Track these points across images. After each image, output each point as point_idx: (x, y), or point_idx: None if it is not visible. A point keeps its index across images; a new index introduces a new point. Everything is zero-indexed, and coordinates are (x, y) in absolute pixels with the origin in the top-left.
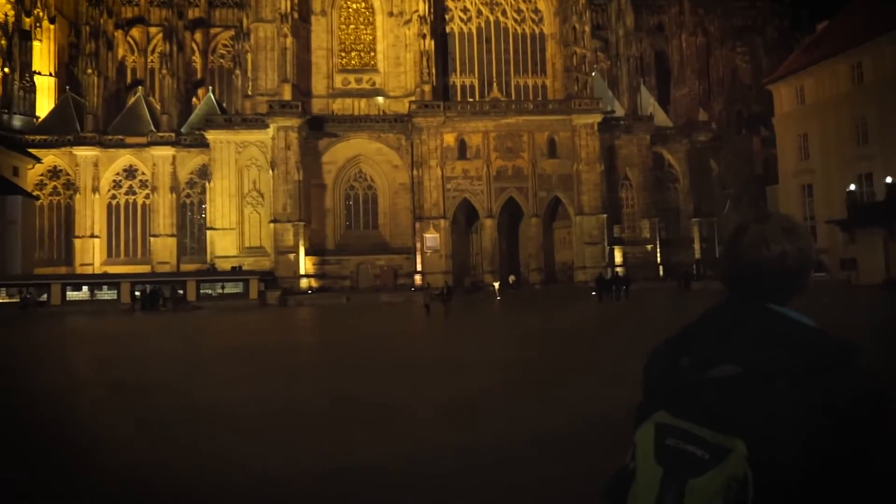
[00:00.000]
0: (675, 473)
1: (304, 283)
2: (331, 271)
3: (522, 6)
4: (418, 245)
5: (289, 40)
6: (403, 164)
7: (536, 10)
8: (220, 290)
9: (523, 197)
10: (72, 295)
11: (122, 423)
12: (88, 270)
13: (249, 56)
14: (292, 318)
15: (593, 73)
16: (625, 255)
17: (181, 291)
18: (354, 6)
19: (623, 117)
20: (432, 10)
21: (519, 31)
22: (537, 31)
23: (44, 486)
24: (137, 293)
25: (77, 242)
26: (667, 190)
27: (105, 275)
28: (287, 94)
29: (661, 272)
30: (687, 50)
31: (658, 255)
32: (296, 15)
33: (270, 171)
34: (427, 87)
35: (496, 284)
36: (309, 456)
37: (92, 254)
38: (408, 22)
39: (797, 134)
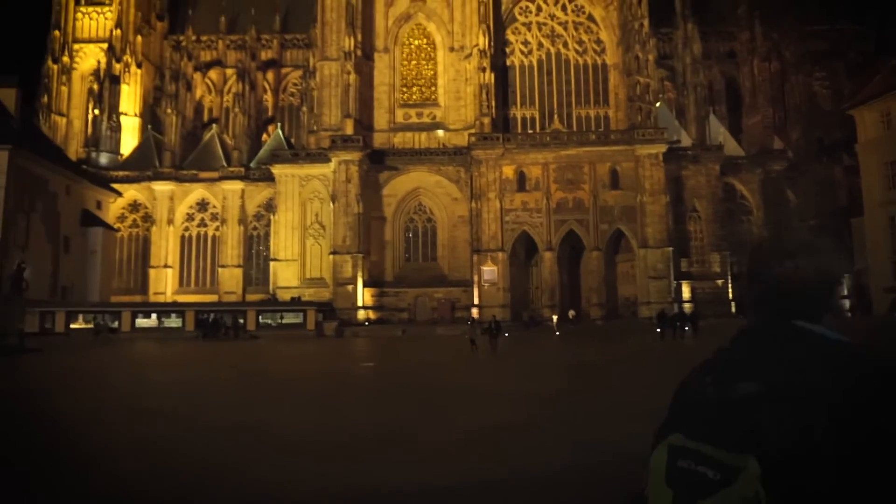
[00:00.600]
0: (685, 496)
1: (361, 314)
2: (389, 303)
3: (584, 37)
4: (475, 278)
5: (352, 77)
6: (463, 197)
7: (599, 41)
8: (279, 321)
9: (584, 229)
10: (141, 322)
11: (113, 441)
12: (161, 299)
13: (315, 93)
14: (343, 348)
15: (658, 104)
16: (693, 291)
17: (241, 321)
18: (416, 42)
19: (690, 147)
20: (492, 43)
21: (581, 62)
22: (599, 61)
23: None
24: (198, 321)
25: (152, 272)
26: (739, 222)
27: (170, 303)
28: (349, 129)
29: (734, 308)
30: (759, 76)
31: (730, 290)
32: (359, 52)
33: (331, 204)
34: (486, 120)
35: (555, 319)
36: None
37: (165, 283)
38: (468, 56)
39: (884, 161)
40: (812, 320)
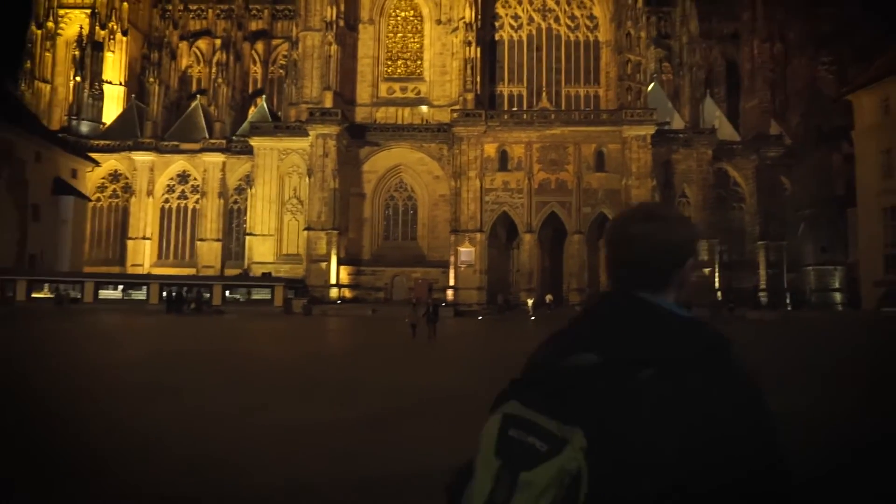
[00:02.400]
0: (510, 466)
1: (334, 292)
2: (365, 282)
3: (577, 12)
4: (452, 259)
5: (333, 48)
6: (444, 175)
7: (592, 17)
8: (248, 296)
9: (566, 212)
10: (104, 293)
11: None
12: (139, 270)
13: (298, 64)
14: (301, 327)
15: (651, 84)
16: None
17: (207, 295)
18: (403, 14)
19: (682, 130)
20: (480, 17)
21: (572, 38)
22: (591, 38)
23: None
24: (164, 294)
25: (130, 244)
26: (731, 209)
27: (135, 275)
28: (328, 102)
29: (720, 297)
30: (759, 57)
31: (717, 279)
32: (341, 23)
33: (308, 179)
34: (469, 96)
35: (530, 303)
36: None
37: (143, 255)
38: (455, 30)
39: (880, 149)
40: (656, 292)
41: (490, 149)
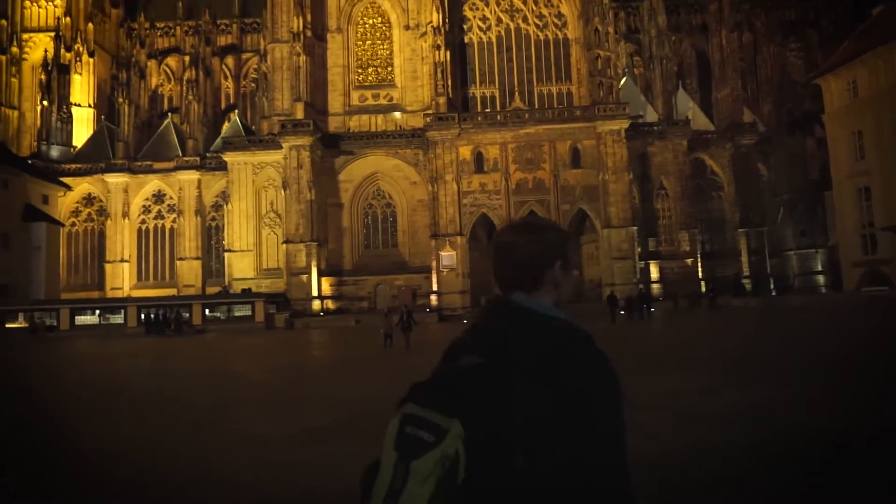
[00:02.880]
0: (404, 457)
1: (316, 304)
2: (348, 292)
3: (544, 11)
4: (433, 264)
5: (301, 59)
6: (421, 181)
7: (559, 15)
8: (229, 314)
9: (545, 210)
10: (81, 319)
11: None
12: (118, 294)
13: (268, 77)
14: (280, 341)
15: (623, 79)
16: (662, 271)
17: (187, 315)
18: (371, 21)
19: (656, 122)
20: (447, 20)
21: (541, 37)
22: (560, 36)
23: None
24: (143, 317)
25: (108, 267)
26: (710, 199)
27: (110, 299)
28: (300, 113)
29: (704, 287)
30: (728, 47)
31: (700, 268)
32: (309, 33)
33: (283, 192)
34: (442, 100)
35: None
36: None
37: (122, 278)
38: (424, 34)
39: (850, 131)
40: (529, 293)
41: (465, 151)
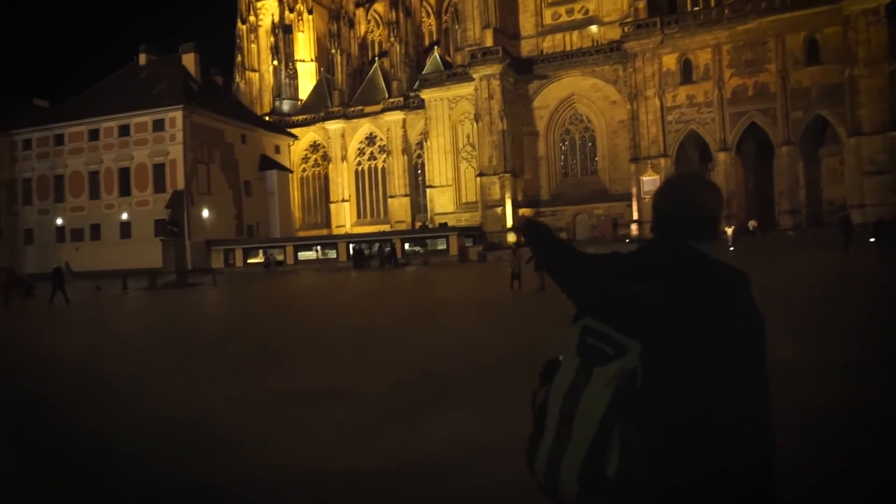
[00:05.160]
0: (587, 363)
1: (511, 237)
2: (546, 223)
3: None
4: (634, 190)
5: None
6: (622, 100)
7: None
8: (426, 248)
9: (770, 120)
10: (303, 255)
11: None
12: (341, 231)
13: (459, 7)
14: (459, 274)
15: None
16: None
17: (388, 249)
18: None
19: None
20: None
21: None
22: None
23: None
24: (350, 253)
25: (332, 207)
26: None
27: (325, 236)
28: (489, 40)
29: None
30: None
31: None
32: None
33: (476, 124)
34: (641, 4)
35: (729, 232)
36: None
37: (344, 216)
38: None
39: None
40: (699, 240)
41: (669, 60)
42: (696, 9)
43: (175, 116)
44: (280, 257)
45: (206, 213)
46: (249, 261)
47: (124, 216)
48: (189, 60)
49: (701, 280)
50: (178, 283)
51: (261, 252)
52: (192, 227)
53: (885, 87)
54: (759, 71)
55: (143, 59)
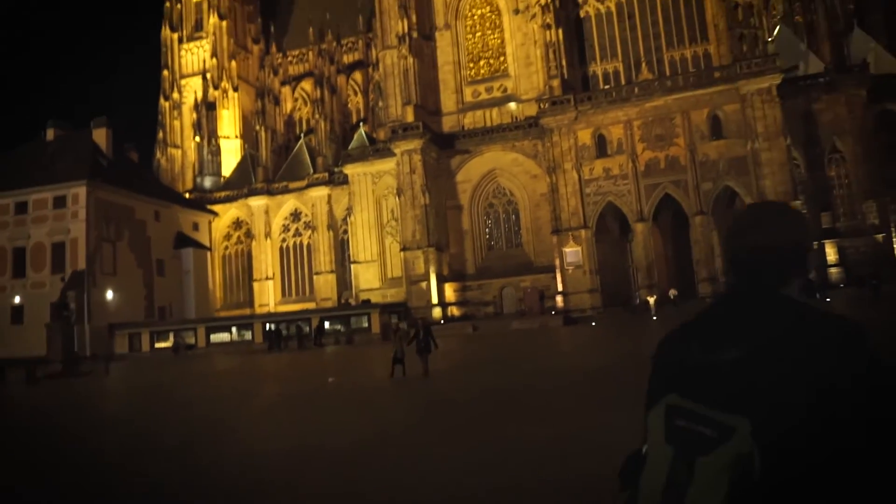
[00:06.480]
0: (684, 452)
1: (437, 312)
2: (472, 297)
3: None
4: (557, 262)
5: (409, 61)
6: (542, 173)
7: None
8: (349, 326)
9: (682, 192)
10: (216, 337)
11: None
12: (265, 310)
13: (381, 85)
14: (373, 354)
15: (777, 28)
16: (841, 251)
17: (307, 329)
18: (479, 12)
19: (822, 73)
20: None
21: None
22: None
23: None
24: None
25: (256, 285)
26: None
27: (239, 317)
28: (409, 117)
29: None
30: None
31: (895, 246)
32: (415, 34)
33: (398, 198)
34: (556, 83)
35: (651, 300)
36: None
37: (268, 295)
38: (534, 16)
39: None
40: (783, 285)
41: (584, 135)
42: (608, 87)
43: (78, 192)
44: (191, 340)
45: (110, 294)
46: (157, 345)
47: (17, 299)
48: (101, 135)
49: (792, 335)
50: (65, 373)
51: (171, 335)
52: (93, 310)
53: (784, 160)
54: (669, 145)
55: (50, 133)
